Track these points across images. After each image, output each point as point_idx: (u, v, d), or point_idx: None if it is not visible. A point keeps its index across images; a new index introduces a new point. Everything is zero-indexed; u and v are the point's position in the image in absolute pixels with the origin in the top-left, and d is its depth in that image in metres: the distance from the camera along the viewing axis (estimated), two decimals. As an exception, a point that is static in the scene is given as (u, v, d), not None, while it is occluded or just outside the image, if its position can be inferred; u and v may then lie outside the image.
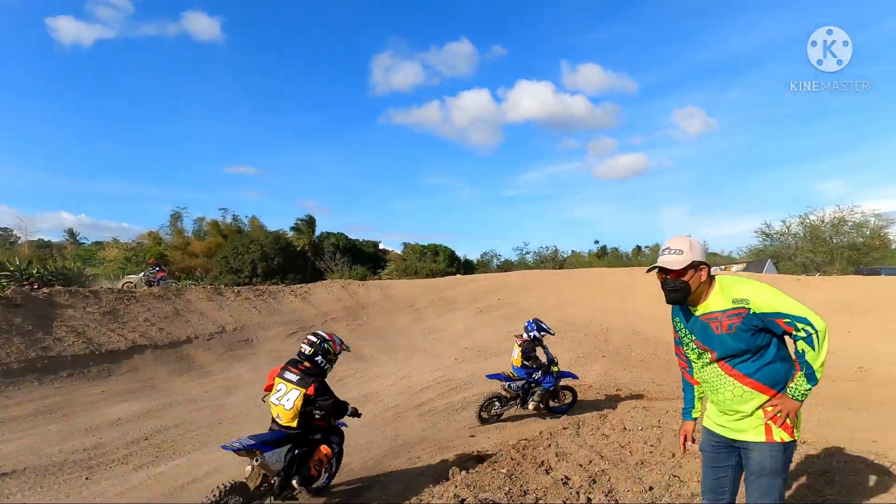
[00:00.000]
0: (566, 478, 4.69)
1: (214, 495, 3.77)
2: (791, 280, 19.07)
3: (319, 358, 4.68)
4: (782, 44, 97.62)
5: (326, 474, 4.88)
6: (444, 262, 49.15)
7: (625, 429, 6.14)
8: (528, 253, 53.35)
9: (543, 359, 8.16)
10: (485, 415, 7.77)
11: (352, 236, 52.78)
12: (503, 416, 7.97)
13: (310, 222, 47.03)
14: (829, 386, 9.48)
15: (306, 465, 4.46)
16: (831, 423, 7.15)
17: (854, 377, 10.26)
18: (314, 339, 4.72)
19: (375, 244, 57.42)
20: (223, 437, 7.31)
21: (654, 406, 7.77)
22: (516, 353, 7.98)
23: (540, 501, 4.26)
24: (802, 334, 2.32)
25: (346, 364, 12.54)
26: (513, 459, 5.24)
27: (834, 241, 35.43)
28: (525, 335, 8.12)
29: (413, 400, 9.77)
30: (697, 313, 2.52)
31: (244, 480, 4.09)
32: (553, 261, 51.15)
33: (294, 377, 4.45)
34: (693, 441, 2.86)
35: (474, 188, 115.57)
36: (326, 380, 4.67)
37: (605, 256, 58.44)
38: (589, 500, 4.25)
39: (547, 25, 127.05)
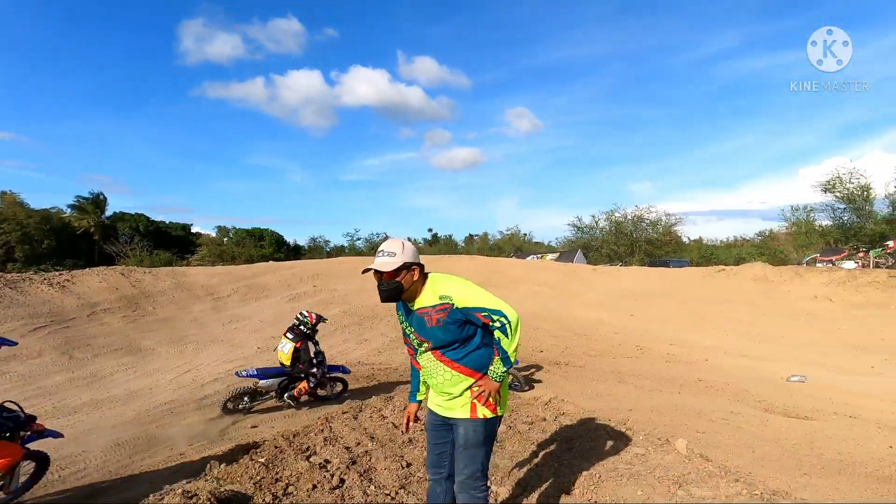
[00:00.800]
0: (326, 461, 4.54)
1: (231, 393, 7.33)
2: (588, 269, 21.31)
3: (303, 326, 7.68)
4: (603, 58, 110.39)
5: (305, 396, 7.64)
6: (271, 248, 46.95)
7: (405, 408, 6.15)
8: (358, 239, 53.14)
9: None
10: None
11: (158, 218, 47.73)
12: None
13: (96, 201, 41.25)
14: (610, 363, 10.62)
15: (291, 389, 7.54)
16: (601, 395, 7.97)
17: (632, 354, 11.67)
18: (298, 316, 7.78)
19: (187, 227, 52.85)
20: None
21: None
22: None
23: (290, 487, 4.05)
24: (498, 325, 2.67)
25: (115, 360, 11.10)
26: (276, 447, 4.95)
27: (634, 235, 41.06)
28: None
29: (195, 394, 8.90)
30: (414, 308, 2.80)
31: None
32: (384, 248, 51.50)
33: (290, 335, 7.58)
34: (416, 420, 3.16)
35: (307, 171, 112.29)
36: (311, 343, 7.72)
37: (436, 244, 60.52)
38: (342, 480, 4.13)
39: (382, 14, 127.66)
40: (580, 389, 8.29)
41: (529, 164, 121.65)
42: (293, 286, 19.50)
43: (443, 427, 2.93)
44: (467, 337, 2.75)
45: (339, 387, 8.18)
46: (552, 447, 4.86)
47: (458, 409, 2.80)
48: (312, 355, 7.63)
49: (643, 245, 40.74)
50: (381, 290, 2.73)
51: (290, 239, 55.05)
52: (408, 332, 2.92)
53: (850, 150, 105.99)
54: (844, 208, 35.59)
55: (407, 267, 2.71)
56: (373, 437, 5.24)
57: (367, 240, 54.38)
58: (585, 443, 4.94)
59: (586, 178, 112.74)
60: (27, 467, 4.46)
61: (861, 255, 29.58)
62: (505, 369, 2.73)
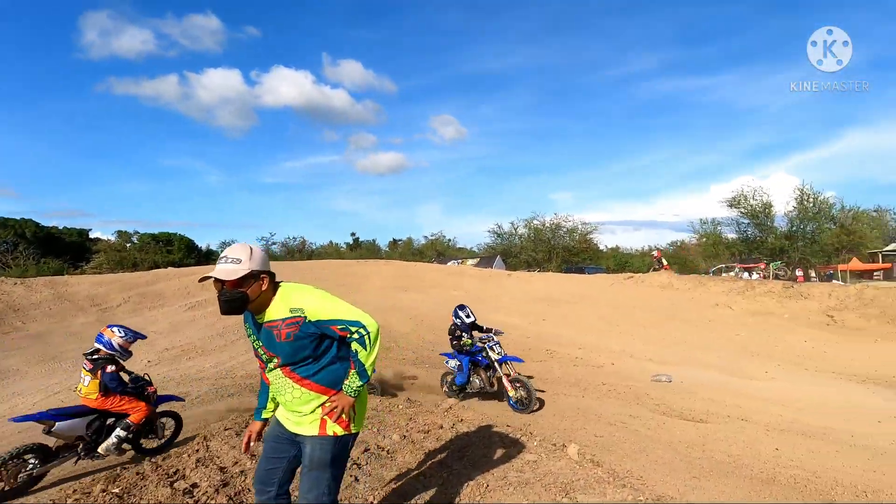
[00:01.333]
0: (193, 486, 4.18)
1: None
2: (503, 275, 21.61)
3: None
4: (528, 70, 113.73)
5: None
6: (181, 253, 44.55)
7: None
8: (274, 244, 51.63)
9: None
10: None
11: (51, 223, 44.06)
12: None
13: (-33, 206, 37.19)
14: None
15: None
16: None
17: (542, 358, 11.77)
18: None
19: (84, 232, 49.21)
20: None
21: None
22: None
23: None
24: (356, 336, 2.51)
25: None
26: (139, 474, 4.43)
27: (552, 242, 42.47)
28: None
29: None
30: (262, 321, 2.56)
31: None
32: (301, 252, 50.34)
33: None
34: (258, 439, 2.87)
35: (224, 173, 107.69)
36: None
37: (358, 248, 59.81)
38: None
39: (307, 15, 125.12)
40: (484, 394, 8.19)
41: (454, 171, 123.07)
42: (193, 294, 18.35)
43: (286, 441, 2.69)
44: (321, 352, 2.58)
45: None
46: (443, 456, 4.66)
47: (307, 426, 2.59)
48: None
49: (560, 252, 42.29)
50: (222, 300, 2.46)
51: (202, 243, 52.56)
52: (256, 347, 2.68)
53: (758, 170, 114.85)
54: (748, 223, 38.63)
55: (254, 276, 2.47)
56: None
57: (284, 244, 52.97)
58: (479, 450, 4.77)
59: (510, 186, 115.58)
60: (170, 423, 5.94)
61: (762, 266, 32.24)
62: (361, 383, 2.57)
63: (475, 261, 43.40)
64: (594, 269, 33.59)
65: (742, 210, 38.24)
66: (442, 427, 5.54)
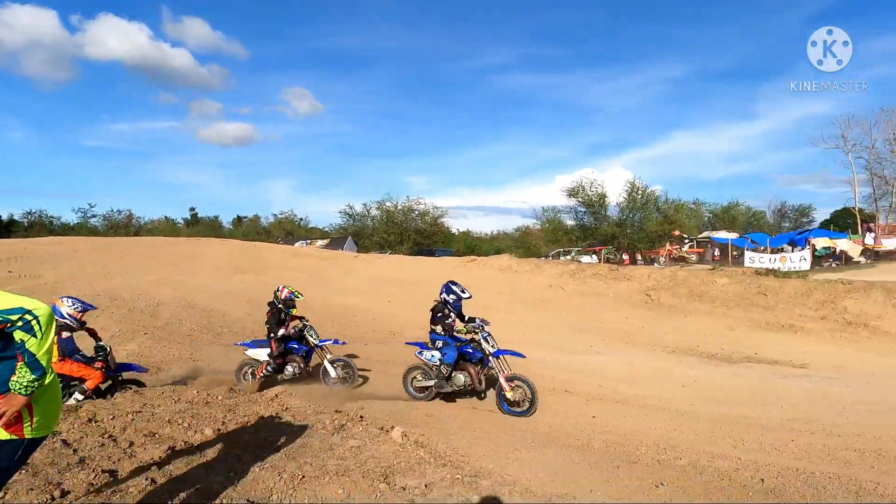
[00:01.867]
0: None
1: None
2: (350, 256, 21.39)
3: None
4: (389, 52, 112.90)
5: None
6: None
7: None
8: (94, 216, 46.30)
9: None
10: None
11: None
12: None
13: None
14: (361, 349, 10.56)
15: None
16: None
17: (384, 340, 11.81)
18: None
19: None
20: None
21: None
22: None
23: None
24: (20, 324, 2.21)
25: None
26: None
27: (405, 225, 43.03)
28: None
29: None
30: None
31: None
32: (127, 227, 45.75)
33: None
34: None
35: (33, 130, 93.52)
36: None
37: (196, 225, 55.80)
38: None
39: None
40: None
41: (308, 147, 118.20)
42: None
43: None
44: None
45: None
46: (260, 449, 4.36)
47: None
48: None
49: (412, 234, 43.05)
50: None
51: (2, 213, 45.57)
52: None
53: (599, 164, 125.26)
54: (585, 212, 42.90)
55: None
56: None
57: (106, 217, 47.59)
58: (300, 440, 4.58)
59: (366, 166, 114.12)
60: None
61: (598, 250, 35.94)
62: (34, 377, 2.24)
63: (325, 241, 42.55)
64: (443, 252, 34.55)
65: (580, 199, 42.34)
66: (263, 417, 5.24)
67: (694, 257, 34.79)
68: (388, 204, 45.10)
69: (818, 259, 29.81)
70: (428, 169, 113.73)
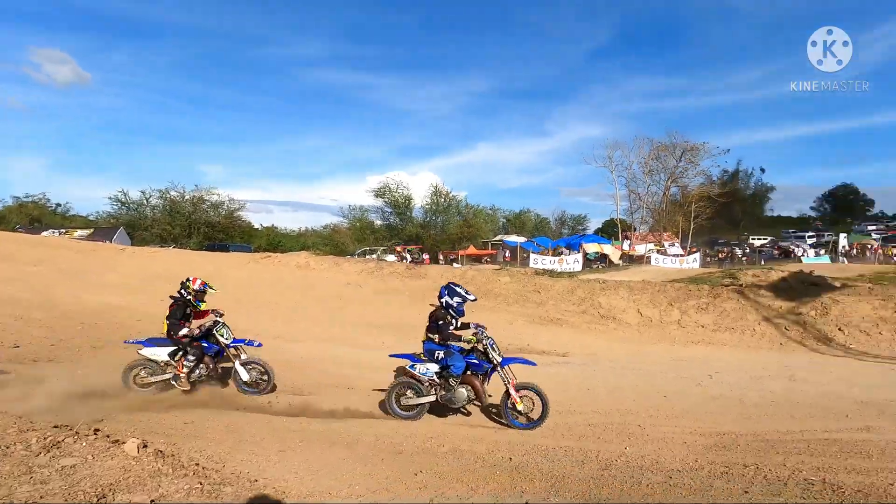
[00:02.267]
0: None
1: None
2: (114, 249, 19.35)
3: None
4: (181, 26, 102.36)
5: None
6: None
7: None
8: None
9: None
10: None
11: None
12: None
13: None
14: (120, 353, 9.33)
15: None
16: (97, 395, 6.71)
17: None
18: None
19: None
20: None
21: None
22: None
23: None
24: None
25: None
26: None
27: (193, 217, 39.60)
28: None
29: None
30: None
31: None
32: None
33: None
34: None
35: None
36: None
37: None
38: None
39: None
40: (70, 388, 6.66)
41: (70, 121, 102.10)
42: None
43: None
44: None
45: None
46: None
47: None
48: None
49: (203, 228, 40.01)
50: None
51: None
52: None
53: (409, 167, 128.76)
54: (391, 212, 44.27)
55: None
56: None
57: None
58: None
59: (148, 149, 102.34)
60: None
61: (400, 249, 37.04)
62: None
63: (87, 232, 36.54)
64: (238, 248, 32.59)
65: (386, 200, 43.71)
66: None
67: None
68: (172, 192, 41.63)
69: (589, 261, 34.23)
70: (226, 158, 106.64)
